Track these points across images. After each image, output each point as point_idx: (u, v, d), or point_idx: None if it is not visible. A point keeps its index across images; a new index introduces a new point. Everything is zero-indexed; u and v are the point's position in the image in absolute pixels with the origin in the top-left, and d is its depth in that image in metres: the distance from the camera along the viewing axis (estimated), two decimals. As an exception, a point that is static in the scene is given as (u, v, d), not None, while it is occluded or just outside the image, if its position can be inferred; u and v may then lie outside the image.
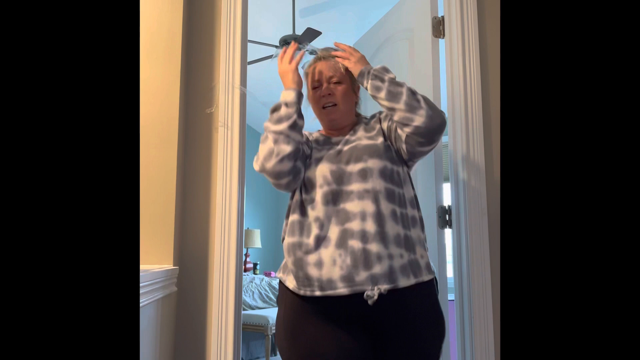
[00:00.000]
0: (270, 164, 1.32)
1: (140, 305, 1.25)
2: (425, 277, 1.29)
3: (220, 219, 1.77)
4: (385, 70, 1.39)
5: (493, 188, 1.84)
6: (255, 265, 5.64)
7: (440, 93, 1.93)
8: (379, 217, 1.26)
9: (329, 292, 1.23)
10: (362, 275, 1.21)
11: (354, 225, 1.25)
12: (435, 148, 1.89)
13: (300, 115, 1.38)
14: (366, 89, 1.39)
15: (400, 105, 1.31)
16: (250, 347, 4.51)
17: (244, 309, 4.30)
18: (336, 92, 1.46)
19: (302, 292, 1.27)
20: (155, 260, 1.68)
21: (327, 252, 1.25)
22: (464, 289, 1.78)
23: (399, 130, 1.36)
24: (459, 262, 1.80)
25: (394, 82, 1.35)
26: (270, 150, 1.32)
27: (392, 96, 1.33)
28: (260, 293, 4.63)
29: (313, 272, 1.25)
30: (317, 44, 4.21)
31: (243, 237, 1.82)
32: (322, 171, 1.34)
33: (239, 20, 1.88)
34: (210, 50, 1.89)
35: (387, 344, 1.26)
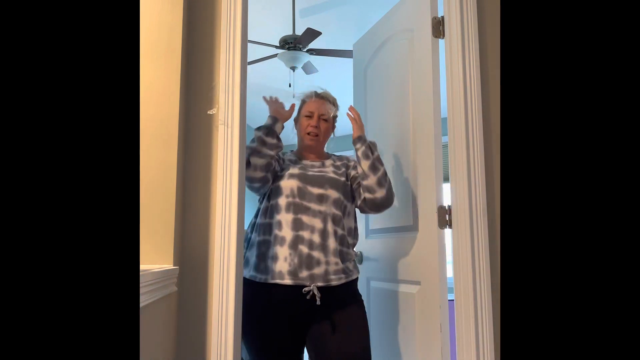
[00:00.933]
0: (247, 173, 1.73)
1: (140, 305, 1.25)
2: (353, 277, 1.74)
3: (220, 219, 1.77)
4: (376, 146, 1.83)
5: (493, 188, 1.84)
6: (255, 265, 5.62)
7: (440, 93, 1.93)
8: (324, 233, 1.66)
9: (278, 281, 1.62)
10: (304, 273, 1.61)
11: (305, 234, 1.64)
12: (435, 148, 1.89)
13: (269, 133, 1.76)
14: (356, 150, 1.81)
15: (374, 178, 1.76)
16: (250, 347, 4.49)
17: (244, 309, 4.29)
18: (322, 127, 1.89)
19: (258, 279, 1.66)
20: (155, 260, 1.68)
21: (282, 250, 1.64)
22: (464, 289, 1.78)
23: (360, 189, 1.79)
24: (459, 262, 1.80)
25: (378, 159, 1.81)
26: (246, 161, 1.73)
27: (373, 168, 1.77)
28: (260, 293, 4.62)
29: (270, 263, 1.65)
30: (318, 44, 4.21)
31: (243, 237, 1.82)
32: (290, 184, 1.72)
33: (239, 20, 1.88)
34: (210, 50, 1.89)
35: (325, 319, 1.66)
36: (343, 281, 1.67)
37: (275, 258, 1.64)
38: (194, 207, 1.81)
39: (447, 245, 1.88)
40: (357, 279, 1.78)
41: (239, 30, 1.88)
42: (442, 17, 1.96)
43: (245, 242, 1.82)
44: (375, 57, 2.44)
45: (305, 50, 3.83)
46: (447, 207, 1.86)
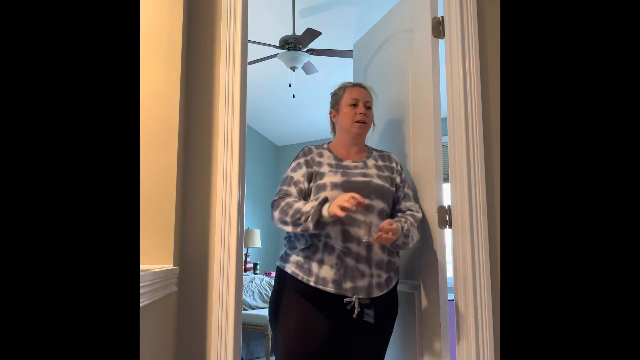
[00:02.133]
0: (278, 220, 1.68)
1: (140, 305, 1.25)
2: (393, 284, 1.72)
3: (220, 219, 1.77)
4: (407, 234, 1.69)
5: (493, 188, 1.84)
6: (255, 265, 5.64)
7: (440, 93, 1.93)
8: (369, 245, 1.64)
9: (320, 286, 1.61)
10: (348, 284, 1.61)
11: (353, 246, 1.62)
12: (436, 148, 1.89)
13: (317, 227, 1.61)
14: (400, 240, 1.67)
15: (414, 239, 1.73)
16: (250, 347, 4.51)
17: (244, 309, 4.30)
18: (369, 115, 1.81)
19: (300, 278, 1.64)
20: (155, 260, 1.68)
21: (330, 258, 1.62)
22: (464, 289, 1.78)
23: (397, 212, 1.78)
24: (459, 262, 1.80)
25: (408, 234, 1.68)
26: (281, 219, 1.66)
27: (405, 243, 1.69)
28: (260, 293, 4.63)
29: (315, 267, 1.63)
30: (318, 44, 4.21)
31: (243, 237, 1.82)
32: (335, 196, 1.60)
33: (239, 20, 1.88)
34: (210, 50, 1.89)
35: (356, 328, 1.65)
36: (384, 292, 1.67)
37: (321, 263, 1.62)
38: (194, 207, 1.81)
39: (447, 245, 1.88)
40: (396, 285, 1.75)
41: (239, 30, 1.88)
42: (442, 17, 1.96)
43: (285, 240, 1.80)
44: (375, 57, 2.44)
45: (305, 50, 3.83)
46: (447, 207, 1.86)
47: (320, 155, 1.77)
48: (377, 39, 2.42)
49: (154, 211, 1.70)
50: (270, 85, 5.20)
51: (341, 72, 4.80)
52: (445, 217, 1.84)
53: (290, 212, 1.60)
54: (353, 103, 1.79)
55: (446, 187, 1.92)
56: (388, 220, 1.58)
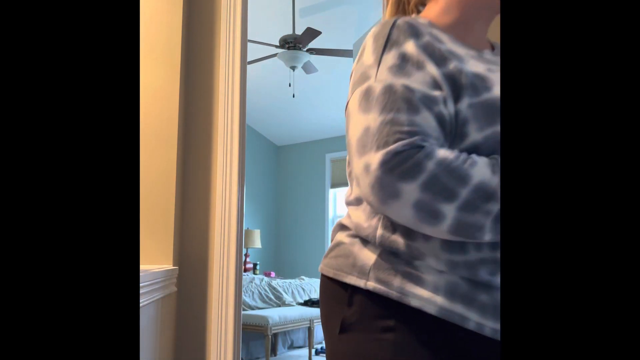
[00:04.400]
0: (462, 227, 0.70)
1: (140, 305, 1.25)
2: None
3: (220, 219, 1.77)
4: None
5: (493, 188, 1.84)
6: (255, 265, 5.64)
7: (440, 93, 1.93)
8: None
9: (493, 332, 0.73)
10: None
11: None
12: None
13: None
14: None
15: None
16: (250, 347, 4.51)
17: (244, 309, 4.30)
18: None
19: (471, 325, 0.73)
20: (155, 260, 1.67)
21: None
22: (464, 289, 1.78)
23: None
24: (459, 262, 1.80)
25: None
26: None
27: None
28: (260, 293, 4.63)
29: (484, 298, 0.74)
30: (317, 43, 4.21)
31: (243, 237, 1.82)
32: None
33: (239, 20, 1.88)
34: (210, 50, 1.89)
35: None
36: None
37: (489, 285, 0.76)
38: (193, 207, 1.81)
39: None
40: None
41: (238, 30, 1.88)
42: (442, 17, 1.96)
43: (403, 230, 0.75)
44: (375, 57, 2.44)
45: (305, 49, 3.83)
46: (447, 207, 1.85)
47: (438, 40, 0.75)
48: (377, 38, 2.42)
49: (153, 211, 1.70)
50: (270, 85, 5.20)
51: (341, 72, 4.80)
52: (445, 217, 1.84)
53: (465, 192, 0.67)
54: None
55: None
56: None
